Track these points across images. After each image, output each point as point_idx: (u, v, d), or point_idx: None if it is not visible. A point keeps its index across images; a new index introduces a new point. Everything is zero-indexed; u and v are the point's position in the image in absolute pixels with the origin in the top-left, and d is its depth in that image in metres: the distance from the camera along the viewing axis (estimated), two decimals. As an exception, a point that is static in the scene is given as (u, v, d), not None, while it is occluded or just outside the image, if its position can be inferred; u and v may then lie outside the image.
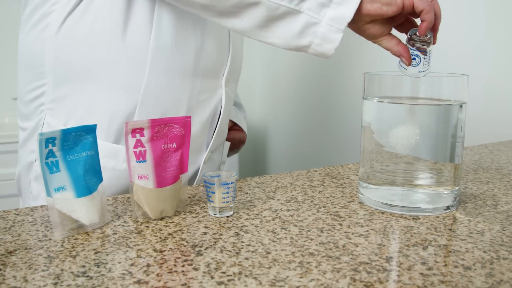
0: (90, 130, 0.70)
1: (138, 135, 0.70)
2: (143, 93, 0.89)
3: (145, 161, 0.70)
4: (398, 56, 0.79)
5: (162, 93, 0.91)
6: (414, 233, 0.68)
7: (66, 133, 0.67)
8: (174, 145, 0.73)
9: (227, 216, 0.74)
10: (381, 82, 0.79)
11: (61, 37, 0.88)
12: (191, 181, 1.02)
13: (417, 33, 0.77)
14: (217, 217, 0.74)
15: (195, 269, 0.57)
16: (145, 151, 0.70)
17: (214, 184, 0.72)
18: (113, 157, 0.91)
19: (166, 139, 0.72)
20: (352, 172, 1.00)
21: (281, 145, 2.63)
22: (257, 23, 0.79)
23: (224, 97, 1.01)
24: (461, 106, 0.76)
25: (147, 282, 0.54)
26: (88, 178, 0.70)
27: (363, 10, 0.75)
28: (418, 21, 0.79)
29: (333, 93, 2.15)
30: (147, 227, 0.70)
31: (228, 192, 0.73)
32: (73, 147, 0.69)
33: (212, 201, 0.74)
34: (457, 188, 0.78)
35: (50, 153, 0.67)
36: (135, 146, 0.70)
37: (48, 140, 0.66)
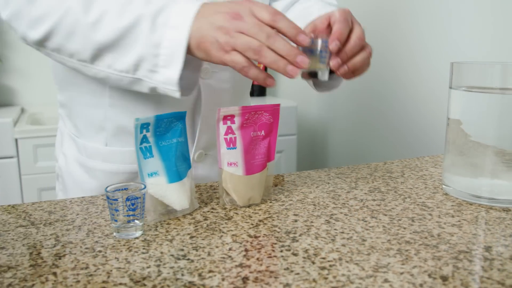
0: (180, 117, 0.71)
1: (229, 122, 0.71)
2: (109, 96, 0.89)
3: (235, 148, 0.71)
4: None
5: (126, 93, 0.89)
6: (508, 224, 0.67)
7: (159, 119, 0.68)
8: (263, 132, 0.73)
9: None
10: (469, 71, 0.78)
11: None
12: None
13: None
14: (306, 205, 0.74)
15: (294, 254, 0.57)
16: (235, 138, 0.71)
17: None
18: (111, 160, 0.93)
19: (255, 126, 0.72)
20: (430, 164, 0.98)
21: (340, 140, 2.61)
22: (108, 82, 0.81)
23: (202, 91, 0.91)
24: (554, 96, 0.74)
25: (249, 266, 0.54)
26: (179, 164, 0.71)
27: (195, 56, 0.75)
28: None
29: (392, 87, 2.12)
30: (236, 213, 0.71)
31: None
32: (165, 133, 0.70)
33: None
34: (547, 180, 0.76)
35: (144, 139, 0.68)
36: (226, 133, 0.71)
37: (143, 126, 0.67)
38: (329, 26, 0.78)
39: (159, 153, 0.69)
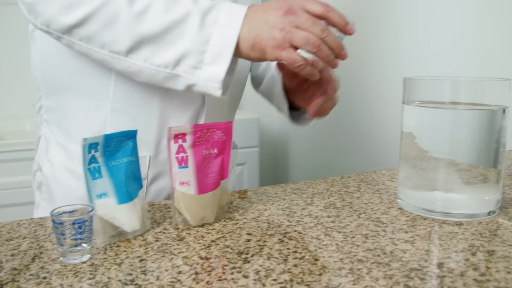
0: (131, 135, 0.70)
1: (180, 141, 0.69)
2: (112, 100, 0.88)
3: (187, 167, 0.70)
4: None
5: (130, 99, 0.88)
6: (460, 238, 0.67)
7: (108, 138, 0.67)
8: (216, 150, 0.72)
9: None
10: (421, 86, 0.78)
11: (43, 50, 0.92)
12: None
13: None
14: (260, 224, 0.73)
15: (245, 276, 0.56)
16: (187, 156, 0.70)
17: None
18: None
19: (207, 144, 0.71)
20: (387, 178, 0.99)
21: (302, 153, 2.62)
22: (148, 82, 0.81)
23: (206, 101, 0.92)
24: (504, 111, 0.75)
25: (198, 290, 0.53)
26: (130, 184, 0.69)
27: (243, 55, 0.77)
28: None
29: (354, 99, 2.13)
30: (189, 234, 0.69)
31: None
32: (115, 153, 0.68)
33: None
34: (499, 193, 0.77)
35: (93, 159, 0.66)
36: (178, 152, 0.69)
37: (91, 146, 0.65)
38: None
39: (109, 173, 0.67)
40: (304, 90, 0.90)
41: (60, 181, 0.94)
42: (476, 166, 0.76)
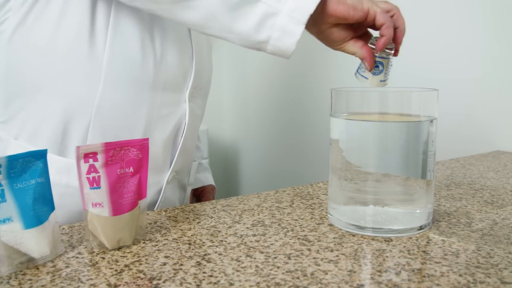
0: (40, 155, 0.66)
1: (91, 160, 0.65)
2: (97, 105, 0.85)
3: (99, 188, 0.66)
4: (363, 59, 0.77)
5: (117, 106, 0.86)
6: (387, 256, 0.65)
7: (12, 159, 0.62)
8: (131, 169, 0.68)
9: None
10: (348, 98, 0.76)
11: (13, 47, 0.85)
12: (152, 204, 0.97)
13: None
14: (181, 245, 0.69)
15: (151, 305, 0.52)
16: (99, 177, 0.66)
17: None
18: (67, 173, 0.86)
19: (122, 163, 0.67)
20: (322, 191, 0.96)
21: (253, 164, 2.59)
22: (211, 12, 0.75)
23: (188, 113, 0.96)
24: (431, 121, 0.73)
25: (97, 323, 0.49)
26: (38, 207, 0.65)
27: (329, 9, 0.74)
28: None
29: (304, 110, 2.12)
30: (103, 258, 0.65)
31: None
32: (21, 174, 0.64)
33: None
34: (430, 206, 0.75)
35: (-5, 182, 0.62)
36: (88, 172, 0.65)
37: (-8, 168, 0.61)
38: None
39: (13, 196, 0.63)
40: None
41: None
42: (406, 178, 0.74)
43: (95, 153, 0.65)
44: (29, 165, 0.65)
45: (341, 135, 0.76)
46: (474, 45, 1.47)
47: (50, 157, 0.84)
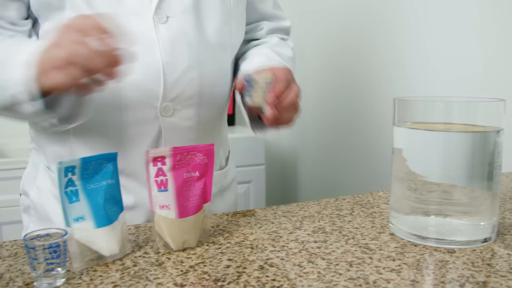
0: (111, 158, 0.69)
1: (159, 164, 0.68)
2: (74, 129, 0.88)
3: (166, 190, 0.68)
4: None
5: (89, 128, 0.88)
6: (450, 268, 0.64)
7: (86, 161, 0.66)
8: (197, 173, 0.70)
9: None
10: (412, 107, 0.76)
11: None
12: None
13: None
14: (243, 249, 0.71)
15: (217, 306, 0.54)
16: (166, 180, 0.68)
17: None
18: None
19: (188, 167, 0.70)
20: (383, 200, 0.96)
21: (311, 171, 2.59)
22: None
23: (163, 129, 0.89)
24: (498, 132, 0.72)
25: (166, 320, 0.51)
26: (109, 207, 0.68)
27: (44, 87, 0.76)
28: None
29: (363, 117, 2.11)
30: (169, 258, 0.67)
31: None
32: (93, 176, 0.67)
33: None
34: (495, 218, 0.74)
35: (70, 182, 0.65)
36: (157, 175, 0.68)
37: (68, 169, 0.64)
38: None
39: (86, 196, 0.66)
40: None
41: (46, 206, 0.95)
42: (471, 190, 0.73)
43: (163, 157, 0.68)
44: (101, 167, 0.68)
45: (405, 144, 0.76)
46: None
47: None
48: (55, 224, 0.92)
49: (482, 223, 0.73)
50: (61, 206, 0.64)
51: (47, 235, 0.62)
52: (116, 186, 0.69)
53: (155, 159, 0.67)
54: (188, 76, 0.90)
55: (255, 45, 1.10)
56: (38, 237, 0.62)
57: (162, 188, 0.68)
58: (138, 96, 0.87)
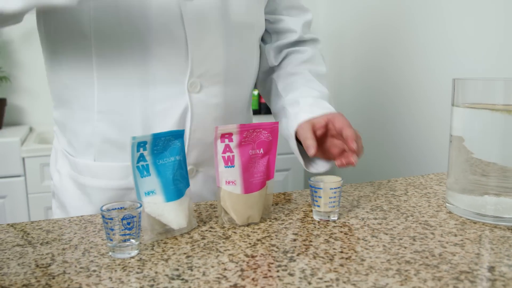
0: (179, 135, 0.71)
1: (227, 140, 0.70)
2: (98, 110, 0.89)
3: (233, 166, 0.70)
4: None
5: (113, 107, 0.89)
6: (512, 243, 0.65)
7: (156, 138, 0.68)
8: (262, 150, 0.73)
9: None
10: (472, 87, 0.77)
11: (45, 64, 0.97)
12: None
13: None
14: (306, 224, 0.72)
15: (291, 274, 0.56)
16: (233, 156, 0.70)
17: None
18: (101, 175, 0.93)
19: (253, 144, 0.72)
20: (435, 182, 0.97)
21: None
22: None
23: (190, 105, 0.90)
24: (558, 112, 0.72)
25: (244, 286, 0.53)
26: (177, 182, 0.70)
27: None
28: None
29: (399, 102, 2.11)
30: (235, 232, 0.70)
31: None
32: (163, 152, 0.69)
33: (319, 206, 0.74)
34: (553, 198, 0.75)
35: (141, 157, 0.67)
36: (224, 151, 0.70)
37: (140, 144, 0.67)
38: (326, 126, 0.89)
39: (156, 171, 0.69)
40: (322, 145, 0.92)
41: (67, 190, 0.97)
42: (529, 170, 0.73)
43: (230, 134, 0.70)
44: (169, 144, 0.70)
45: (464, 125, 0.77)
46: None
47: (84, 162, 0.93)
48: (72, 210, 0.95)
49: (540, 203, 0.74)
50: (133, 180, 0.67)
51: (122, 207, 0.65)
52: (183, 162, 0.72)
53: (223, 136, 0.69)
54: (215, 53, 0.91)
55: (295, 65, 1.09)
56: (114, 209, 0.64)
57: (229, 164, 0.70)
58: (166, 71, 0.88)
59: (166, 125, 0.89)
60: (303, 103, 0.96)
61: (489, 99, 0.74)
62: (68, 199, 0.96)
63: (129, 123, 0.89)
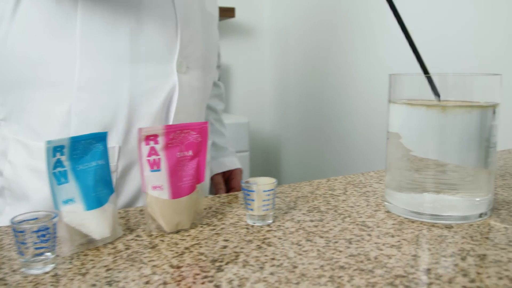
0: (101, 138, 0.66)
1: (152, 143, 0.65)
2: (78, 87, 0.84)
3: (159, 170, 0.66)
4: None
5: (97, 84, 0.85)
6: (450, 242, 0.63)
7: (75, 141, 0.63)
8: (190, 152, 0.68)
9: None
10: (407, 84, 0.75)
11: None
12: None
13: None
14: (239, 229, 0.69)
15: (216, 286, 0.52)
16: (159, 159, 0.66)
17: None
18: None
19: (181, 146, 0.67)
20: (375, 180, 0.95)
21: (294, 156, 2.58)
22: None
23: (177, 84, 0.90)
24: (494, 107, 0.71)
25: (165, 301, 0.49)
26: (99, 189, 0.65)
27: None
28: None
29: (342, 98, 2.10)
30: (162, 241, 0.65)
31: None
32: (83, 156, 0.64)
33: (252, 209, 0.70)
34: (490, 195, 0.74)
35: (58, 163, 0.62)
36: (149, 155, 0.66)
37: (56, 149, 0.61)
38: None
39: (76, 178, 0.63)
40: None
41: (22, 182, 0.89)
42: (466, 167, 0.72)
43: (156, 136, 0.65)
44: (90, 147, 0.65)
45: (400, 122, 0.74)
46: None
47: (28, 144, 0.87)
48: (34, 203, 0.87)
49: (477, 199, 0.72)
50: (49, 188, 0.62)
51: (35, 218, 0.59)
52: (106, 167, 0.67)
53: (148, 138, 0.65)
54: (197, 37, 0.95)
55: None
56: (26, 220, 0.59)
57: (155, 168, 0.66)
58: (156, 48, 0.88)
59: (153, 106, 0.89)
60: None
61: (425, 94, 0.72)
62: (26, 191, 0.89)
63: (114, 102, 0.86)
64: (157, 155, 0.66)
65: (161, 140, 0.66)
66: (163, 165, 0.66)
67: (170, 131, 0.66)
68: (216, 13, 1.07)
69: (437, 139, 0.71)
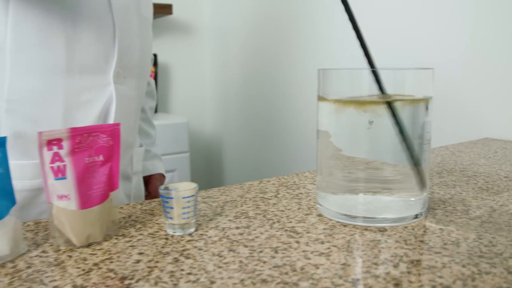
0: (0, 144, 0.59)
1: (55, 148, 0.59)
2: (7, 99, 0.80)
3: (65, 178, 0.59)
4: None
5: (30, 96, 0.80)
6: (382, 247, 0.59)
7: (-34, 148, 0.56)
8: (101, 157, 0.62)
9: (190, 233, 0.64)
10: (338, 79, 0.71)
11: None
12: None
13: None
14: (157, 240, 0.63)
15: (122, 308, 0.46)
16: (64, 166, 0.59)
17: (172, 198, 0.62)
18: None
19: (90, 151, 0.61)
20: (309, 180, 0.91)
21: (236, 156, 2.53)
22: None
23: (114, 96, 0.87)
24: (427, 101, 0.68)
25: (59, 330, 0.43)
26: (-3, 201, 0.58)
27: None
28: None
29: (284, 97, 2.07)
30: (70, 256, 0.59)
31: (189, 207, 0.63)
32: (-23, 165, 0.57)
33: (171, 218, 0.64)
34: (425, 194, 0.70)
35: None
36: (52, 161, 0.59)
37: None
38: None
39: (-32, 189, 0.56)
40: None
41: None
42: (399, 165, 0.68)
43: (59, 140, 0.59)
44: (-14, 155, 0.58)
45: (329, 119, 0.70)
46: (464, 29, 1.43)
47: None
48: None
49: (412, 199, 0.69)
50: None
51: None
52: (6, 176, 0.60)
53: (50, 142, 0.58)
54: (134, 44, 0.91)
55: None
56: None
57: (60, 175, 0.59)
58: (92, 59, 0.84)
59: (89, 118, 0.86)
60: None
61: (355, 90, 0.68)
62: None
63: (47, 115, 0.81)
64: (62, 161, 0.59)
65: (66, 144, 0.59)
66: (69, 172, 0.59)
67: (76, 134, 0.60)
68: (150, 16, 1.03)
69: (368, 137, 0.67)
